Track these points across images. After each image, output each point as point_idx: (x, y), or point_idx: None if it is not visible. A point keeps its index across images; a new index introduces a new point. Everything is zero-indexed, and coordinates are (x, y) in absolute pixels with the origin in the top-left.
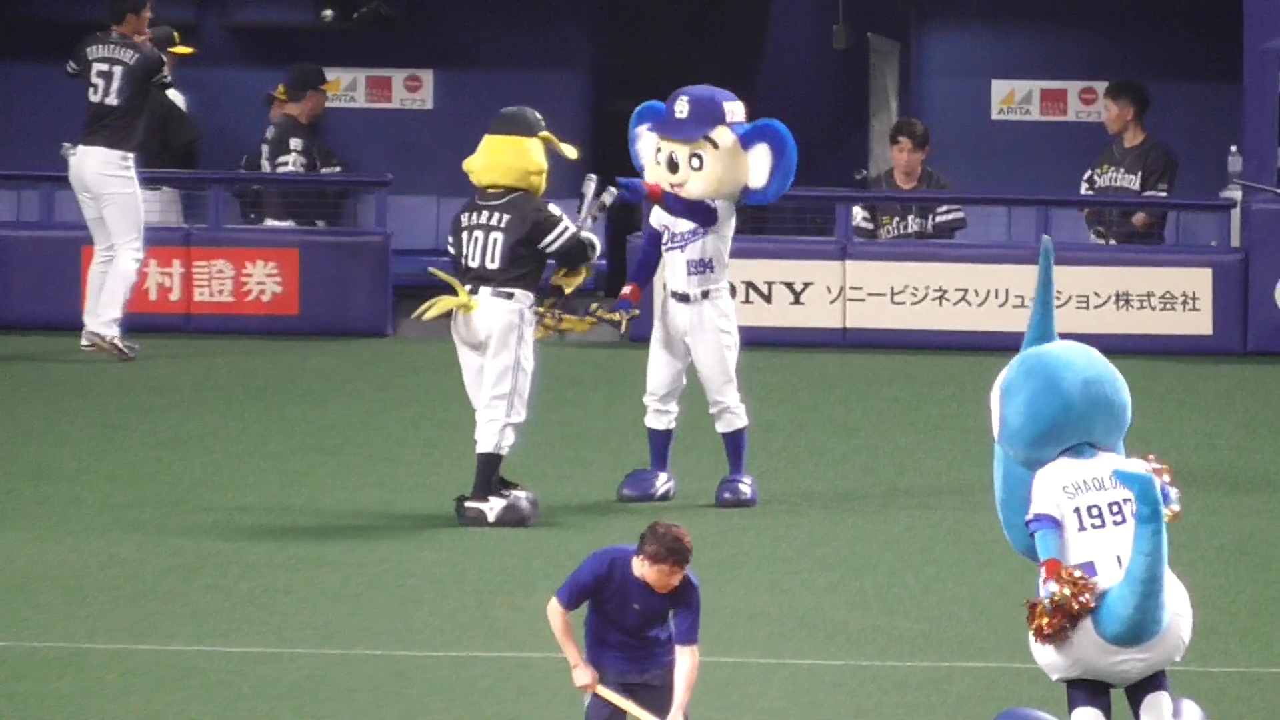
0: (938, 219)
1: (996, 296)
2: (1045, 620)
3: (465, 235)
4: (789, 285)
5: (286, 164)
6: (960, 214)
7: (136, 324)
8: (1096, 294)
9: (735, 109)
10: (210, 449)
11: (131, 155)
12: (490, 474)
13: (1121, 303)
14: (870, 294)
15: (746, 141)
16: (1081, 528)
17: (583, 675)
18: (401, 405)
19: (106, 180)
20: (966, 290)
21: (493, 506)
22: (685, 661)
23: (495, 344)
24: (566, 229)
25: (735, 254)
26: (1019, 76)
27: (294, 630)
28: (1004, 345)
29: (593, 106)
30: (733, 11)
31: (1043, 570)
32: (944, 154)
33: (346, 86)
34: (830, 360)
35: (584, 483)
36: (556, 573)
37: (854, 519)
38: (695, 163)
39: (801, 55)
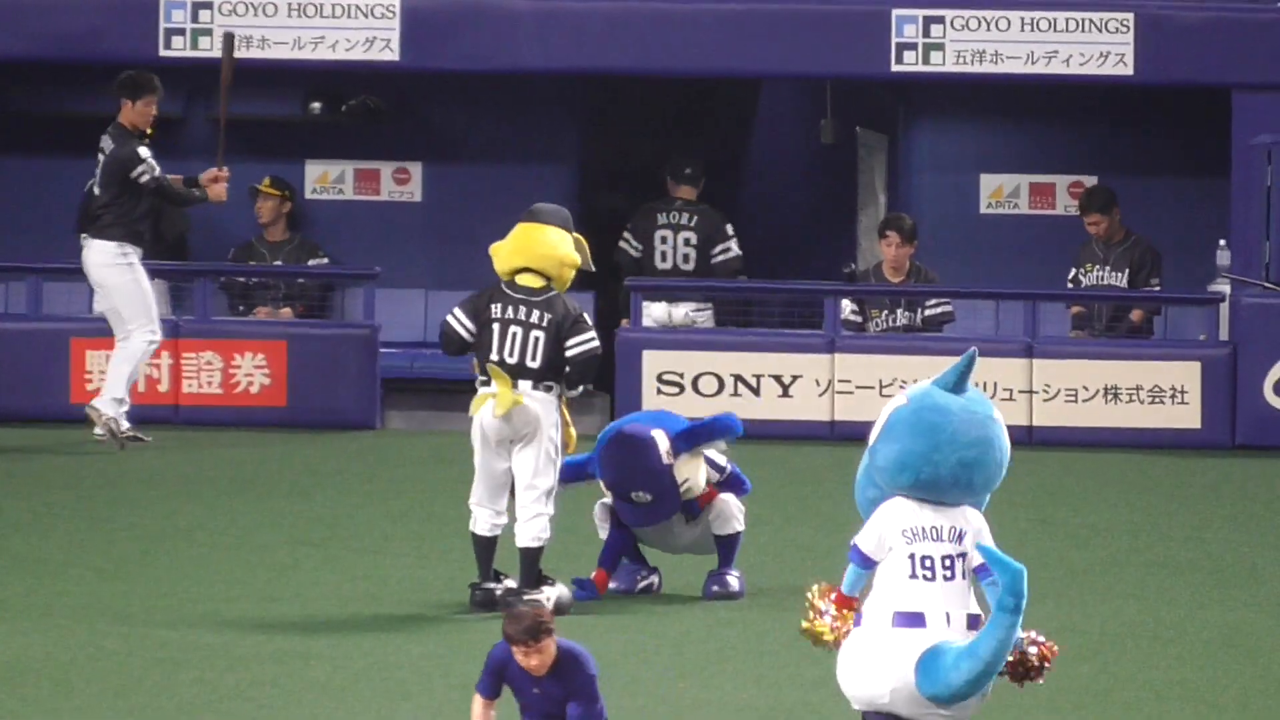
0: (926, 313)
1: (985, 390)
2: (812, 631)
3: (499, 328)
4: (777, 378)
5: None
6: (949, 308)
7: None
8: (1085, 388)
9: (662, 440)
10: (197, 541)
11: (129, 244)
12: (536, 566)
13: (1110, 396)
14: (859, 387)
15: (678, 449)
16: (913, 575)
17: None
18: (389, 498)
19: (105, 271)
20: None
21: (548, 597)
22: None
23: (537, 437)
24: (593, 341)
25: (724, 347)
26: (1007, 170)
27: None
28: None
29: (580, 200)
30: (720, 105)
31: (833, 595)
32: (932, 248)
33: (335, 179)
34: (818, 453)
35: (571, 576)
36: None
37: None
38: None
39: (789, 149)
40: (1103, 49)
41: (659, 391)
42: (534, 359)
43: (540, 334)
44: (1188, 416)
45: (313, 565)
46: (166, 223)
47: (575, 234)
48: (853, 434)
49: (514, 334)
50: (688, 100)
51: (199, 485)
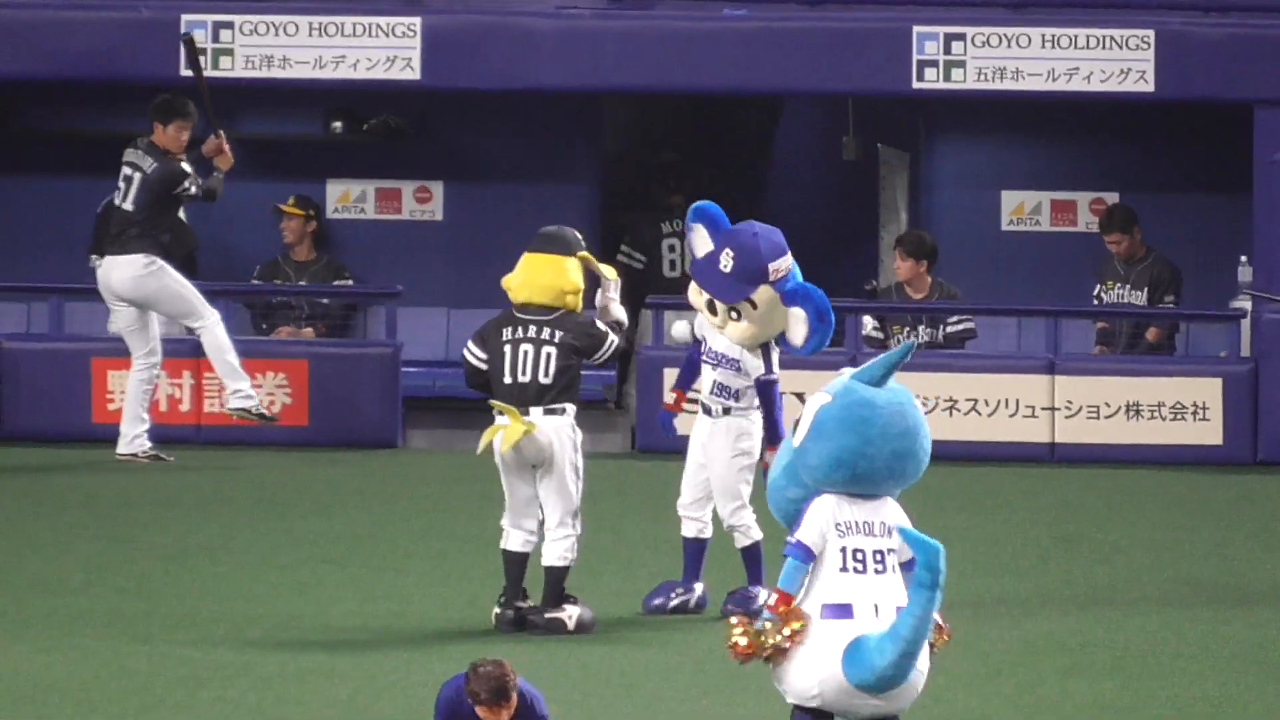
0: (948, 330)
1: (1006, 406)
2: (742, 643)
3: (509, 349)
4: (799, 396)
5: (191, 187)
6: (971, 324)
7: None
8: (1107, 404)
9: (780, 266)
10: (219, 561)
11: (155, 255)
12: (560, 585)
13: (1132, 413)
14: None
15: (789, 300)
16: (844, 568)
17: None
18: (410, 517)
19: (139, 284)
20: (977, 400)
21: (570, 615)
22: None
23: (558, 460)
24: (613, 342)
25: None
26: (1029, 188)
27: None
28: (1015, 455)
29: (600, 218)
30: (741, 122)
31: (774, 595)
32: (954, 265)
33: (356, 198)
34: None
35: (594, 593)
36: (563, 683)
37: None
38: (734, 314)
39: (811, 166)
40: (1123, 66)
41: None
42: (545, 375)
43: (552, 350)
44: (1210, 433)
45: (335, 584)
46: (174, 241)
47: (581, 253)
48: None
49: (525, 352)
50: (709, 116)
51: (220, 504)
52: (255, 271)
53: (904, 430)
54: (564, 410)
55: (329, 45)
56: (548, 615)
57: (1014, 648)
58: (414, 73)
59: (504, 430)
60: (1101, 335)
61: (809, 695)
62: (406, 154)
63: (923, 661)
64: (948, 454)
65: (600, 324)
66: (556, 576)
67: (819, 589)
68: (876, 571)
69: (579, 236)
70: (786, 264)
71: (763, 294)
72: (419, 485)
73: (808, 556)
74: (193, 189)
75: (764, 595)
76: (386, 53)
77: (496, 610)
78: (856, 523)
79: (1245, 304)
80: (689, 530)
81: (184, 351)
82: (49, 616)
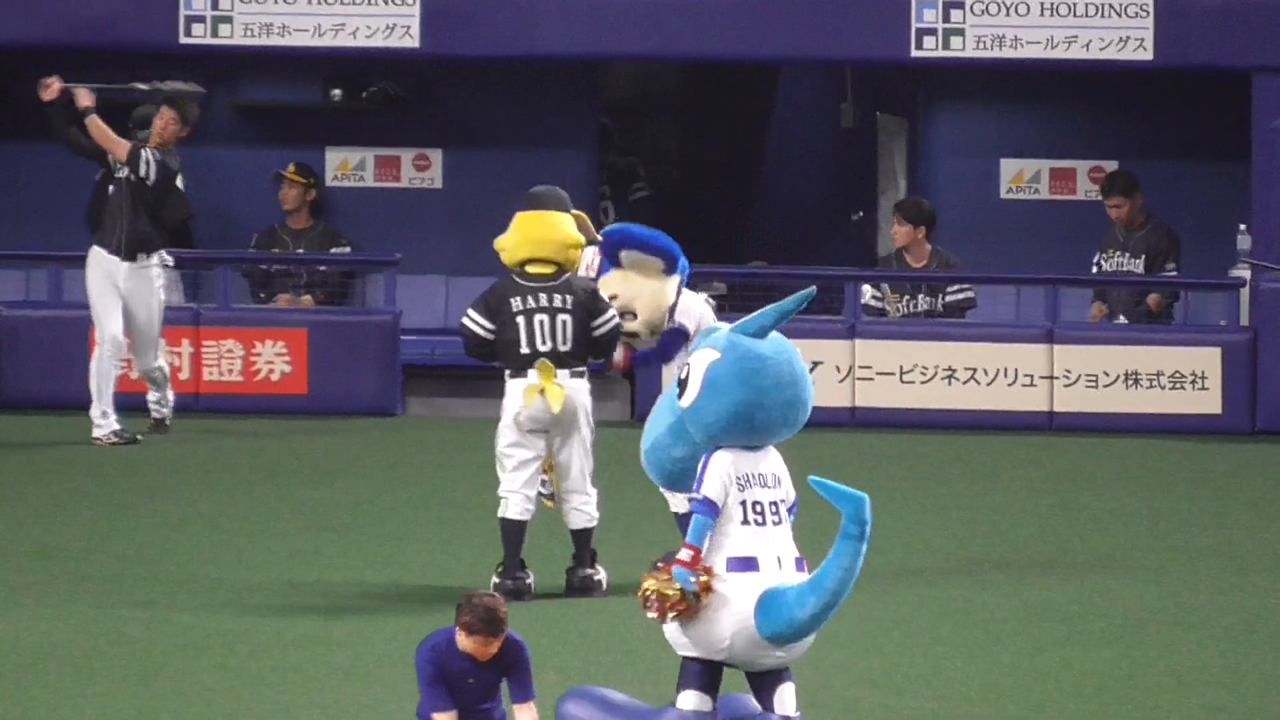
0: (947, 298)
1: (1005, 375)
2: (652, 596)
3: (524, 319)
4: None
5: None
6: (970, 293)
7: (145, 404)
8: (1106, 373)
9: (589, 258)
10: (219, 528)
11: (96, 245)
12: (589, 544)
13: (1131, 382)
14: (879, 373)
15: (613, 265)
16: (745, 521)
17: None
18: (410, 484)
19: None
20: (975, 369)
21: (603, 575)
22: (526, 719)
23: (580, 422)
24: (614, 317)
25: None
26: (1028, 156)
27: (303, 709)
28: (1014, 424)
29: (598, 186)
30: (739, 90)
31: (685, 551)
32: (953, 233)
33: (355, 165)
34: (839, 439)
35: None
36: (563, 651)
37: (862, 598)
38: (631, 318)
39: (809, 134)
40: (1122, 33)
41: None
42: (565, 343)
43: (567, 317)
44: (1208, 402)
45: (335, 551)
46: (167, 210)
47: (575, 211)
48: (874, 420)
49: (541, 322)
50: (707, 84)
51: (220, 472)
52: (253, 240)
53: (794, 379)
54: (583, 373)
55: (328, 13)
56: (586, 573)
57: (1013, 616)
58: (413, 40)
59: (546, 389)
60: (1099, 293)
61: (718, 648)
62: (405, 122)
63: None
64: (946, 423)
65: (600, 293)
66: (587, 537)
67: (723, 543)
68: (774, 523)
69: (567, 196)
70: (589, 257)
71: (607, 281)
72: (418, 453)
73: (714, 511)
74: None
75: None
76: (386, 20)
77: (495, 580)
78: (753, 474)
79: (1244, 272)
80: (680, 506)
81: (183, 320)
82: (49, 583)
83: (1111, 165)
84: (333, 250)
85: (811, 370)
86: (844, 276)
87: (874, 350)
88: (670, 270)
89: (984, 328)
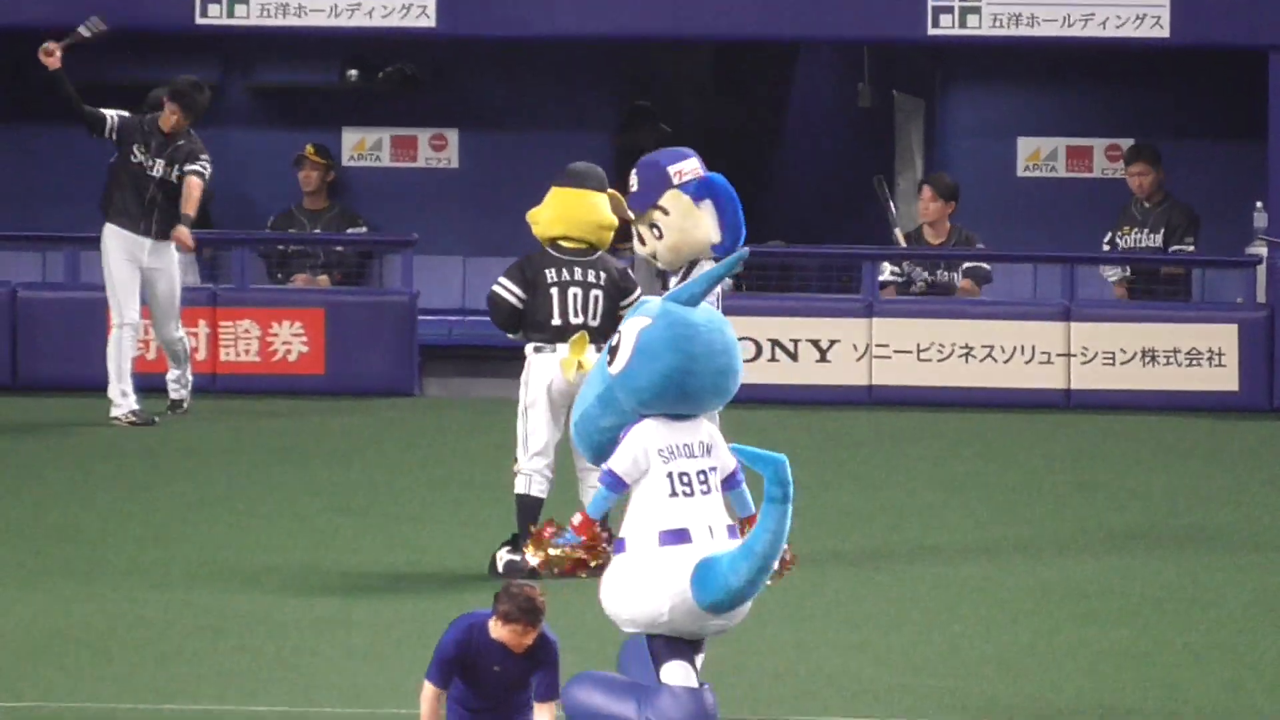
0: (966, 264)
1: (1022, 353)
2: (540, 557)
3: (557, 291)
4: (815, 343)
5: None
6: (987, 267)
7: (163, 384)
8: (1123, 350)
9: (684, 168)
10: (236, 509)
11: (113, 225)
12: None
13: (1148, 359)
14: (896, 351)
15: (698, 198)
16: (673, 493)
17: None
18: (428, 465)
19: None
20: (992, 347)
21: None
22: (543, 716)
23: None
24: (640, 295)
25: (761, 311)
26: (1044, 134)
27: (321, 690)
28: (1031, 402)
29: (617, 167)
30: (757, 70)
31: (578, 517)
32: (970, 211)
33: (371, 146)
34: (856, 418)
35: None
36: (579, 631)
37: (880, 577)
38: (656, 233)
39: (826, 114)
40: (1139, 11)
41: None
42: (595, 318)
43: (599, 293)
44: (1225, 379)
45: (353, 533)
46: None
47: (611, 190)
48: (891, 399)
49: (574, 295)
50: (724, 65)
51: (238, 454)
52: (269, 222)
53: (725, 347)
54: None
55: None
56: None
57: (1030, 594)
58: (429, 20)
59: (582, 362)
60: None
61: (657, 622)
62: (422, 102)
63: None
64: (963, 401)
65: (628, 272)
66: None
67: (652, 517)
68: (703, 493)
69: (604, 175)
70: (691, 167)
71: (671, 199)
72: (435, 434)
73: (618, 485)
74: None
75: None
76: (402, 0)
77: (507, 557)
78: (678, 445)
79: (1261, 250)
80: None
81: (200, 300)
82: (67, 565)
83: (1128, 143)
84: (349, 231)
85: (829, 349)
86: (861, 255)
87: (891, 329)
88: (729, 245)
89: (1001, 306)
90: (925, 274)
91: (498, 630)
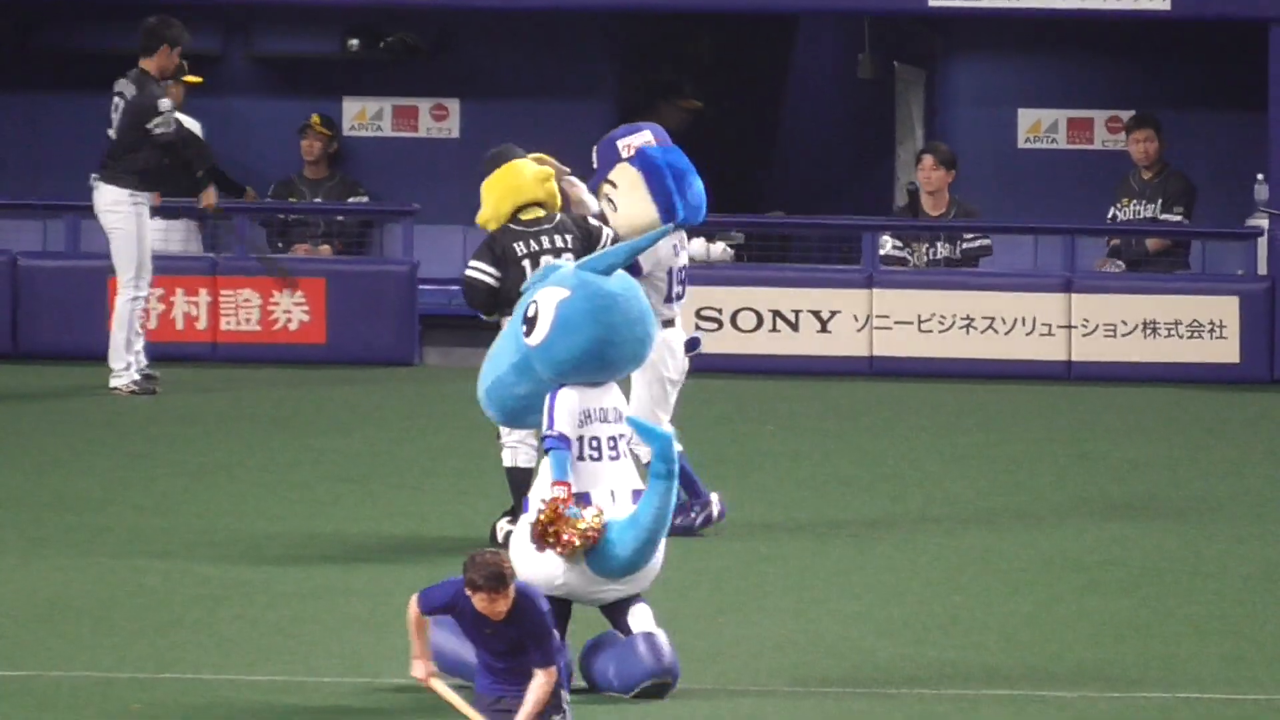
0: (964, 247)
1: (1023, 325)
2: (571, 534)
3: (529, 262)
4: (816, 314)
5: (160, 128)
6: (987, 242)
7: (163, 353)
8: (1124, 322)
9: (634, 141)
10: (237, 478)
11: (141, 193)
12: None
13: (1149, 331)
14: (897, 322)
15: (643, 171)
16: (581, 457)
17: (418, 668)
18: (428, 434)
19: (108, 216)
20: (994, 318)
21: None
22: (535, 681)
23: None
24: (607, 232)
25: (762, 282)
26: (1045, 105)
27: (321, 659)
28: (1032, 374)
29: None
30: (758, 40)
31: (560, 489)
32: (970, 182)
33: (373, 116)
34: (857, 389)
35: None
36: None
37: (881, 547)
38: (611, 207)
39: (827, 85)
40: None
41: (697, 327)
42: None
43: (570, 255)
44: (1226, 351)
45: (353, 502)
46: (197, 155)
47: (538, 155)
48: (891, 369)
49: (546, 263)
50: (725, 34)
51: (238, 422)
52: (270, 190)
53: (641, 315)
54: None
55: None
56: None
57: (1031, 565)
58: None
59: None
60: (1113, 251)
61: (554, 585)
62: (423, 71)
63: (661, 546)
64: (964, 372)
65: (589, 220)
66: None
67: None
68: (611, 458)
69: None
70: (642, 139)
71: (619, 172)
72: (436, 403)
73: (568, 444)
74: (160, 129)
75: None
76: None
77: (507, 528)
78: (594, 411)
79: (1262, 222)
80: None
81: (200, 269)
82: (67, 534)
83: (1129, 115)
84: (350, 200)
85: (830, 319)
86: (862, 226)
87: (892, 300)
88: (662, 216)
89: (1002, 277)
90: (923, 255)
91: (473, 598)
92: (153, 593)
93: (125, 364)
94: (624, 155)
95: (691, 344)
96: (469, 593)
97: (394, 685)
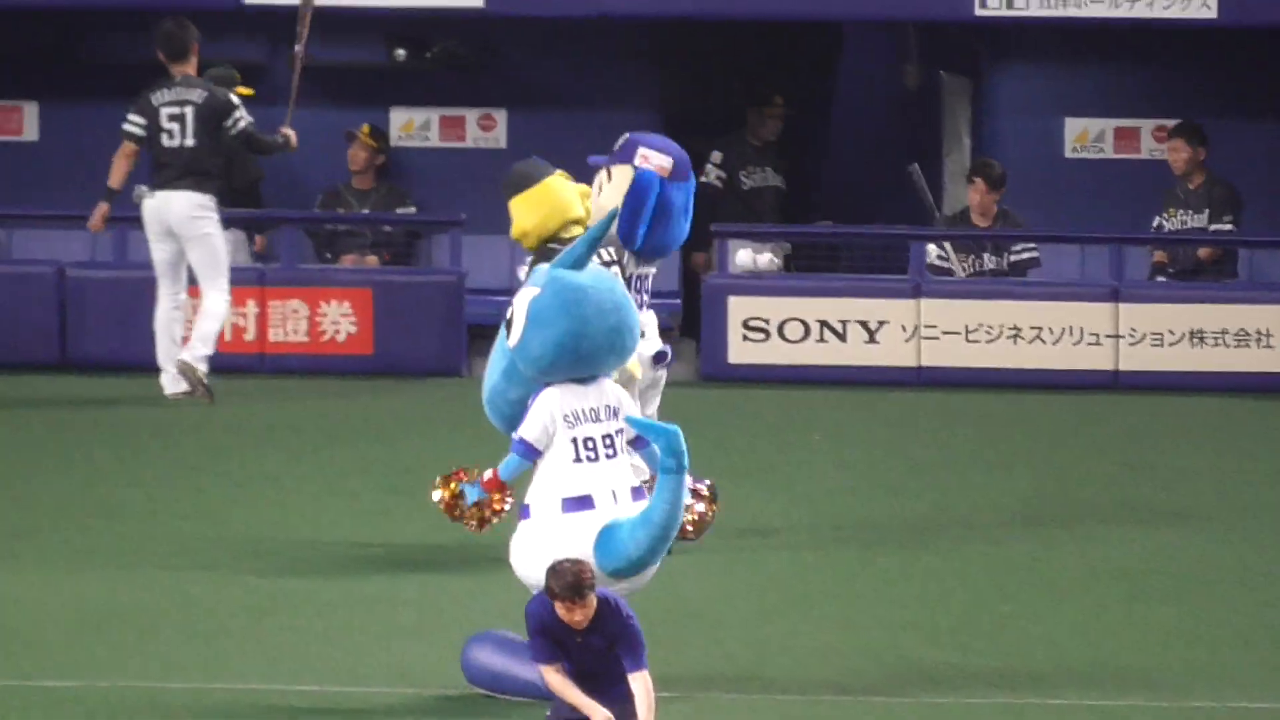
0: (1012, 258)
1: (1070, 334)
2: (444, 493)
3: None
4: (863, 324)
5: (240, 121)
6: (1035, 253)
7: (211, 364)
8: (1170, 331)
9: (651, 156)
10: (284, 488)
11: (214, 199)
12: None
13: (1196, 340)
14: (945, 332)
15: (632, 184)
16: (577, 459)
17: (598, 714)
18: (475, 445)
19: (194, 223)
20: (1041, 328)
21: None
22: (637, 688)
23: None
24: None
25: (810, 292)
26: (1092, 114)
27: (368, 669)
28: (1079, 383)
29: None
30: (804, 50)
31: (490, 473)
32: (1017, 192)
33: (420, 126)
34: (904, 398)
35: None
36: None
37: (928, 556)
38: (598, 190)
39: (873, 94)
40: None
41: (745, 338)
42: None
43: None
44: (1273, 360)
45: (401, 512)
46: (238, 170)
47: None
48: (939, 380)
49: None
50: (772, 44)
51: (286, 433)
52: (317, 200)
53: (615, 306)
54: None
55: None
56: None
57: (1078, 574)
58: (478, 0)
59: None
60: (1156, 269)
61: None
62: (470, 82)
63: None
64: (1011, 382)
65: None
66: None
67: (556, 484)
68: (608, 457)
69: (545, 164)
70: (658, 161)
71: (621, 173)
72: (483, 414)
73: (530, 453)
74: (242, 121)
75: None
76: None
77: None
78: (584, 410)
79: None
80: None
81: (249, 280)
82: (114, 544)
83: (1175, 124)
84: (398, 210)
85: (877, 329)
86: (909, 235)
87: (939, 310)
88: (621, 237)
89: (1049, 287)
90: (968, 267)
91: (556, 608)
92: (200, 603)
93: (208, 355)
94: (636, 162)
95: (660, 356)
96: (550, 600)
97: (441, 695)
